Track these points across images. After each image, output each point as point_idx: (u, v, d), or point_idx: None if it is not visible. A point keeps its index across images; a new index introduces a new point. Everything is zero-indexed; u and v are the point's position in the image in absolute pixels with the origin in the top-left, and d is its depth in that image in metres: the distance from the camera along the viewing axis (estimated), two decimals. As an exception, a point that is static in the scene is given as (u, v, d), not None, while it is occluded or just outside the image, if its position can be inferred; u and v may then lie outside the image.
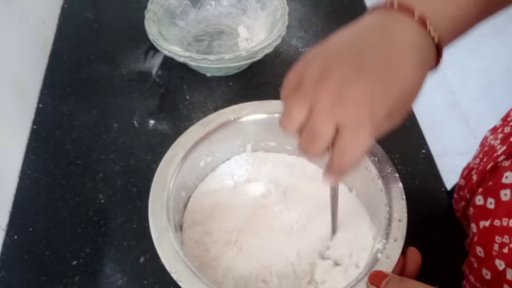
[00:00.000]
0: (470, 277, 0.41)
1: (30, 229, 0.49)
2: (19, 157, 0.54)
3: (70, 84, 0.63)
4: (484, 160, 0.43)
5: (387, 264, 0.35)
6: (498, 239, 0.37)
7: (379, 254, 0.36)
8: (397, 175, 0.41)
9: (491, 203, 0.39)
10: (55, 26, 0.71)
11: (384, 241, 0.37)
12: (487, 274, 0.38)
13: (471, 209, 0.43)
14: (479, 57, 1.71)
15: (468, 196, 0.44)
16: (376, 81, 0.29)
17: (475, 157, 0.46)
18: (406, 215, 0.38)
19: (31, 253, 0.47)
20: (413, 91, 0.30)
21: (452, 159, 1.44)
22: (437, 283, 0.31)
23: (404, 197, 0.40)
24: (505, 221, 0.36)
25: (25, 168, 0.54)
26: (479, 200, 0.41)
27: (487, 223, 0.38)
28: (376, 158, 0.42)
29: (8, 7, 0.57)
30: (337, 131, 0.29)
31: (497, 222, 0.37)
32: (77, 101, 0.61)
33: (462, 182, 0.47)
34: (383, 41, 0.30)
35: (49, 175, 0.53)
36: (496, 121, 0.49)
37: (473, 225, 0.41)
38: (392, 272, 0.35)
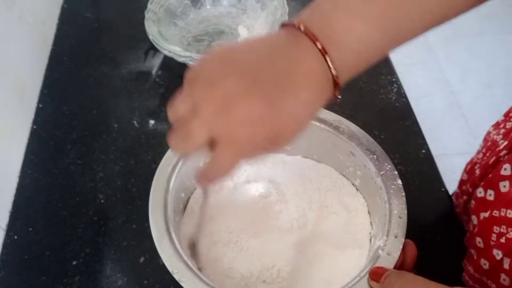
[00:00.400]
0: (469, 268, 0.41)
1: (30, 229, 0.49)
2: (19, 157, 0.54)
3: (70, 84, 0.63)
4: (487, 154, 0.43)
5: (388, 261, 0.35)
6: (496, 229, 0.37)
7: (380, 251, 0.36)
8: (396, 172, 0.41)
9: (490, 195, 0.40)
10: (55, 26, 0.71)
11: (384, 238, 0.37)
12: (485, 264, 0.38)
13: (473, 202, 0.43)
14: (479, 57, 1.72)
15: (470, 190, 0.44)
16: (265, 103, 0.28)
17: (478, 152, 0.46)
18: (406, 211, 0.39)
19: (31, 253, 0.47)
20: (300, 121, 0.30)
21: (452, 159, 1.44)
22: (436, 281, 0.32)
23: (403, 194, 0.40)
24: (503, 211, 0.37)
25: (25, 168, 0.54)
26: (480, 192, 0.41)
27: (486, 214, 0.39)
28: (375, 156, 0.43)
29: (8, 7, 0.57)
30: (213, 141, 0.29)
31: (496, 213, 0.38)
32: (77, 101, 0.61)
33: (465, 177, 0.47)
34: (284, 64, 0.29)
35: (49, 175, 0.53)
36: (496, 121, 0.49)
37: (474, 217, 0.42)
38: (393, 267, 0.35)
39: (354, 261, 0.41)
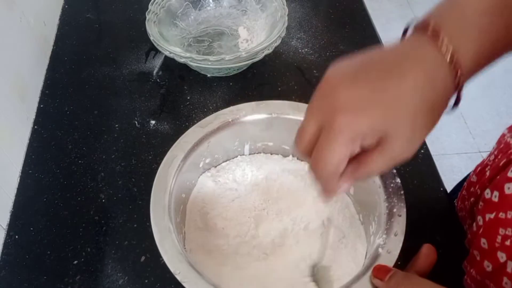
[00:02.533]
0: (472, 270, 0.41)
1: (31, 228, 0.49)
2: (20, 157, 0.55)
3: (71, 85, 0.63)
4: (499, 157, 0.43)
5: (389, 259, 0.36)
6: (501, 231, 0.37)
7: (380, 249, 0.37)
8: (394, 171, 0.42)
9: (495, 196, 0.39)
10: (56, 27, 0.71)
11: (384, 236, 0.37)
12: (488, 266, 0.38)
13: (481, 203, 0.43)
14: (478, 58, 1.72)
15: (479, 192, 0.44)
16: (367, 87, 0.27)
17: (490, 154, 0.46)
18: (405, 210, 0.39)
19: (32, 253, 0.47)
20: (409, 106, 0.27)
21: (451, 159, 1.44)
22: (436, 282, 0.32)
23: (402, 192, 0.40)
24: (510, 214, 0.37)
25: (26, 168, 0.54)
26: (487, 193, 0.41)
27: (492, 216, 0.39)
28: None
29: (9, 7, 0.57)
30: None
31: (502, 215, 0.37)
32: (78, 101, 0.61)
33: (474, 179, 0.47)
34: (393, 56, 0.28)
35: (50, 174, 0.53)
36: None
37: (479, 218, 0.42)
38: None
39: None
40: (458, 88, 0.28)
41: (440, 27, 0.28)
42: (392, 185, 0.41)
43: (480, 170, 0.46)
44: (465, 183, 0.50)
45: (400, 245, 0.36)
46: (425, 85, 0.27)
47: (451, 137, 1.50)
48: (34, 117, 0.59)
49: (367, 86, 0.27)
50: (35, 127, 0.58)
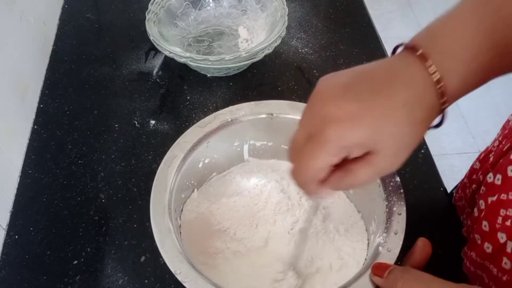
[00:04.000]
0: (472, 254, 0.42)
1: (31, 228, 0.49)
2: (20, 157, 0.55)
3: (71, 84, 0.63)
4: (503, 142, 0.43)
5: (389, 257, 0.36)
6: (502, 212, 0.37)
7: (380, 248, 0.37)
8: None
9: (498, 179, 0.40)
10: (56, 26, 0.71)
11: (384, 235, 0.37)
12: (488, 248, 0.39)
13: (482, 188, 0.43)
14: (478, 57, 1.72)
15: (481, 177, 0.44)
16: (356, 103, 0.28)
17: (494, 140, 0.46)
18: (405, 208, 0.39)
19: (32, 253, 0.47)
20: (396, 129, 0.28)
21: (451, 159, 1.44)
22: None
23: (402, 190, 0.40)
24: (511, 194, 0.37)
25: (26, 168, 0.54)
26: (489, 177, 0.42)
27: (494, 198, 0.39)
28: None
29: (9, 7, 0.57)
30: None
31: (503, 196, 0.38)
32: (78, 101, 0.61)
33: (477, 165, 0.47)
34: (383, 74, 0.29)
35: (50, 174, 0.53)
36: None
37: (481, 202, 0.42)
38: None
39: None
40: (443, 110, 0.30)
41: (428, 54, 0.29)
42: (391, 183, 0.41)
43: (484, 156, 0.47)
44: (467, 172, 0.50)
45: (401, 243, 0.37)
46: (413, 103, 0.28)
47: (451, 137, 1.50)
48: (34, 117, 0.59)
49: (357, 101, 0.28)
50: (35, 127, 0.58)
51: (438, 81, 0.28)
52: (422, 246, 0.36)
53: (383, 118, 0.28)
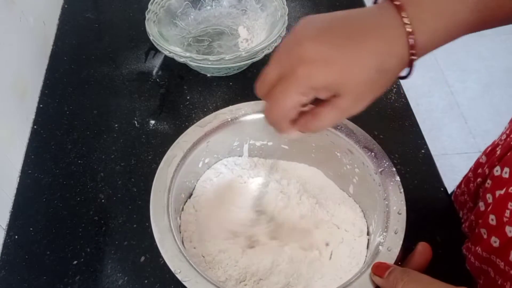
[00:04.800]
0: (477, 248, 0.41)
1: (31, 228, 0.49)
2: (19, 157, 0.55)
3: (71, 84, 0.63)
4: (511, 136, 0.43)
5: (389, 256, 0.36)
6: (510, 205, 0.37)
7: (380, 247, 0.37)
8: (394, 169, 0.42)
9: (506, 173, 0.40)
10: (56, 26, 0.71)
11: (384, 234, 0.37)
12: (495, 242, 0.39)
13: (488, 181, 0.43)
14: (478, 57, 1.72)
15: (487, 171, 0.44)
16: (329, 45, 0.29)
17: (502, 134, 0.46)
18: (405, 207, 0.39)
19: (32, 253, 0.47)
20: (364, 74, 0.29)
21: (451, 159, 1.44)
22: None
23: (402, 190, 0.40)
24: None
25: (26, 168, 0.54)
26: (496, 171, 0.42)
27: (502, 192, 0.39)
28: (373, 154, 0.43)
29: (9, 7, 0.57)
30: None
31: (511, 190, 0.38)
32: (78, 101, 0.61)
33: (483, 159, 0.47)
34: (358, 21, 0.30)
35: (49, 175, 0.53)
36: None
37: (488, 196, 0.42)
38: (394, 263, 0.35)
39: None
40: (411, 62, 0.30)
41: (404, 4, 0.29)
42: (392, 183, 0.41)
43: (491, 150, 0.46)
44: (472, 166, 0.50)
45: (401, 242, 0.37)
46: (383, 51, 0.29)
47: (451, 137, 1.50)
48: (33, 117, 0.59)
49: (330, 44, 0.29)
50: (35, 127, 0.58)
51: (410, 33, 0.29)
52: (422, 250, 0.36)
53: (351, 63, 0.29)
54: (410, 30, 0.29)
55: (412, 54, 0.30)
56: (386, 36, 0.29)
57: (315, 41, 0.29)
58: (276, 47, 0.60)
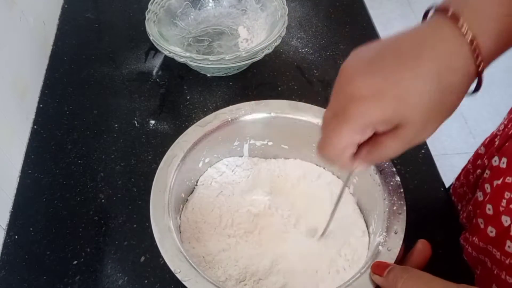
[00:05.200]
0: (474, 239, 0.41)
1: (31, 228, 0.49)
2: (19, 157, 0.55)
3: (71, 84, 0.63)
4: (509, 126, 0.43)
5: (389, 256, 0.36)
6: (507, 195, 0.37)
7: (380, 247, 0.37)
8: (394, 169, 0.42)
9: (503, 163, 0.40)
10: (56, 26, 0.71)
11: (384, 234, 0.37)
12: (492, 232, 0.39)
13: (487, 172, 0.43)
14: (478, 57, 1.72)
15: (486, 162, 0.44)
16: (380, 78, 0.27)
17: (500, 124, 0.46)
18: (405, 207, 0.39)
19: (32, 253, 0.47)
20: (424, 99, 0.27)
21: (451, 159, 1.44)
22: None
23: (402, 190, 0.40)
24: None
25: (26, 168, 0.54)
26: (495, 161, 0.42)
27: (499, 181, 0.39)
28: None
29: (9, 7, 0.57)
30: None
31: (508, 179, 0.38)
32: (78, 101, 0.61)
33: (482, 150, 0.47)
34: (409, 42, 0.28)
35: (49, 175, 0.53)
36: (495, 121, 0.49)
37: (487, 186, 0.42)
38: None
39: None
40: (479, 72, 0.28)
41: (459, 12, 0.27)
42: (391, 183, 0.41)
43: (489, 141, 0.46)
44: (471, 158, 0.50)
45: (400, 242, 0.37)
46: (441, 70, 0.27)
47: (451, 137, 1.50)
48: (33, 117, 0.59)
49: (381, 75, 0.27)
50: (35, 127, 0.58)
51: (472, 41, 0.27)
52: (422, 247, 0.36)
53: (407, 92, 0.27)
54: (471, 37, 0.27)
55: (479, 65, 0.27)
56: (443, 51, 0.27)
57: (365, 75, 0.27)
58: (275, 46, 0.60)
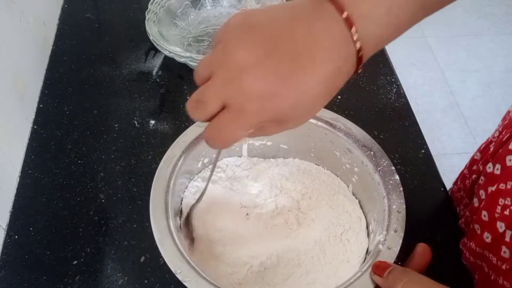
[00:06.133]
0: (471, 244, 0.42)
1: (31, 228, 0.49)
2: (19, 157, 0.55)
3: (71, 84, 0.63)
4: (503, 132, 0.43)
5: (389, 255, 0.36)
6: (501, 201, 0.38)
7: (380, 246, 0.37)
8: (393, 168, 0.42)
9: (497, 169, 0.40)
10: (56, 26, 0.71)
11: (384, 232, 0.38)
12: (487, 238, 0.39)
13: (482, 178, 0.44)
14: (478, 57, 1.72)
15: (481, 168, 0.45)
16: (278, 79, 0.27)
17: (495, 131, 0.47)
18: (404, 206, 0.39)
19: (32, 253, 0.47)
20: (315, 99, 0.28)
21: (451, 159, 1.44)
22: (439, 282, 0.32)
23: (401, 189, 0.40)
24: (509, 184, 0.37)
25: (26, 167, 0.54)
26: (489, 167, 0.42)
27: (493, 188, 0.40)
28: (372, 153, 0.43)
29: (9, 7, 0.57)
30: (223, 107, 0.29)
31: (502, 186, 0.38)
32: (78, 101, 0.61)
33: (478, 156, 0.47)
34: (304, 36, 0.27)
35: (49, 174, 0.53)
36: (495, 121, 0.49)
37: (482, 192, 0.42)
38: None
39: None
40: (358, 68, 0.29)
41: (352, 18, 0.27)
42: (391, 182, 0.41)
43: (485, 147, 0.47)
44: (467, 163, 0.50)
45: (400, 241, 0.37)
46: (334, 75, 0.28)
47: (451, 137, 1.50)
48: (33, 117, 0.59)
49: (279, 75, 0.27)
50: (35, 127, 0.58)
51: (359, 50, 0.28)
52: (422, 251, 0.36)
53: (303, 95, 0.28)
54: (359, 47, 0.27)
55: (357, 70, 0.29)
56: (337, 55, 0.27)
57: (258, 71, 0.27)
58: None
